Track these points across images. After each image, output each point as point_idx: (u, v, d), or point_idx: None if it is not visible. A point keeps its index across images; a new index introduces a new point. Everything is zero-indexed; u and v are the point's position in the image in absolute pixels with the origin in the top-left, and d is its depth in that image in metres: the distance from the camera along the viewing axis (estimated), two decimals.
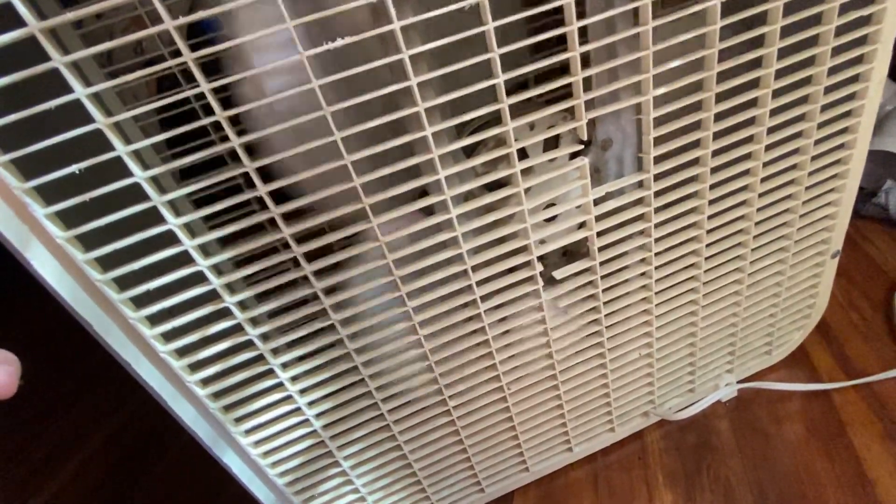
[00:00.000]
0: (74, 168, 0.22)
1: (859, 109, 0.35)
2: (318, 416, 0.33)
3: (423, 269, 0.30)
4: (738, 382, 0.48)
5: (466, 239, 0.31)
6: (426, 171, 0.28)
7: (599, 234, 0.34)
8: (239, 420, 0.31)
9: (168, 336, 0.27)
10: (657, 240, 0.36)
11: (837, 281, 0.47)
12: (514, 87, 0.29)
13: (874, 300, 0.54)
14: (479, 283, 0.32)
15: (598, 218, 0.33)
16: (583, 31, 0.27)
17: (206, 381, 0.29)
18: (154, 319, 0.26)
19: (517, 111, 0.28)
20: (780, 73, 0.32)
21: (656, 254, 0.36)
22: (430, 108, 0.26)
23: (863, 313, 0.53)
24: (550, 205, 0.33)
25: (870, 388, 0.46)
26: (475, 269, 0.32)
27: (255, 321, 0.28)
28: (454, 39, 0.25)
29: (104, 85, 0.21)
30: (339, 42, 0.23)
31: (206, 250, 0.26)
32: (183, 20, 0.21)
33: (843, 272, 0.57)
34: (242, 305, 0.28)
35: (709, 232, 0.37)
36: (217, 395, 0.30)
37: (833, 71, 0.33)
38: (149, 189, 0.23)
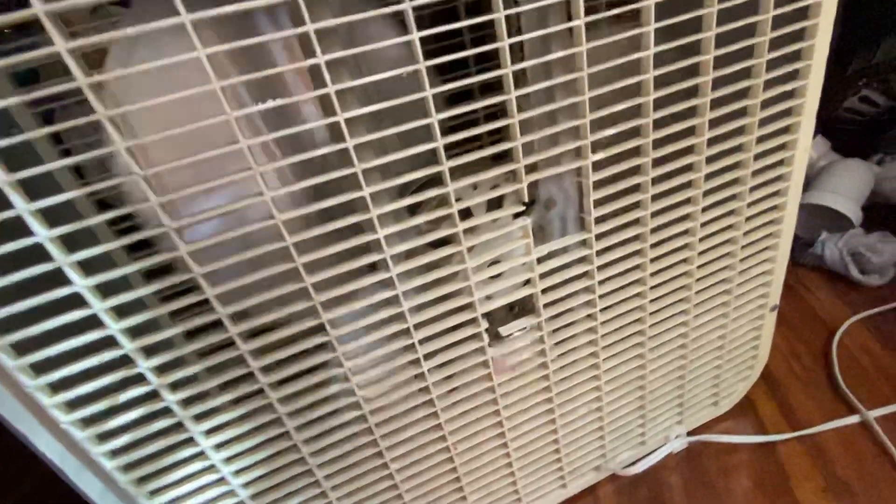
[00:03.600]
0: None
1: (787, 175, 0.38)
2: (246, 485, 0.31)
3: (363, 329, 0.29)
4: (688, 434, 0.49)
5: (409, 297, 0.30)
6: (368, 230, 0.28)
7: (545, 290, 0.34)
8: (154, 493, 0.28)
9: (71, 404, 0.24)
10: (602, 296, 0.36)
11: (779, 329, 0.49)
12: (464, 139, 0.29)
13: (814, 349, 0.56)
14: (423, 342, 0.31)
15: (543, 275, 0.33)
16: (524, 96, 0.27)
17: (115, 453, 0.27)
18: (56, 386, 0.24)
19: (463, 169, 0.28)
20: (711, 142, 0.33)
21: (602, 309, 0.36)
22: (369, 168, 0.26)
23: (804, 362, 0.55)
24: (496, 262, 0.33)
25: (812, 439, 0.47)
26: (418, 327, 0.31)
27: (173, 386, 0.26)
28: (395, 104, 0.25)
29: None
30: (272, 103, 0.22)
31: (119, 310, 0.24)
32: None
33: (784, 320, 0.59)
34: (160, 369, 0.26)
35: (652, 288, 0.37)
36: (128, 468, 0.27)
37: (762, 139, 0.35)
38: (53, 249, 0.21)
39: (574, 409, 0.40)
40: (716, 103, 0.32)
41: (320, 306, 0.27)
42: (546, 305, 0.34)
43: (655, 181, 0.33)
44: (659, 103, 0.30)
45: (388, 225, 0.28)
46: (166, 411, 0.27)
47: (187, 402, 0.27)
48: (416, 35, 0.23)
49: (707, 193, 0.35)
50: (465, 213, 0.31)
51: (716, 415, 0.50)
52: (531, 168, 0.30)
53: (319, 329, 0.28)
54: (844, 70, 0.76)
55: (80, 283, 0.22)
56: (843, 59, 0.76)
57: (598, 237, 0.33)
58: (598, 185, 0.31)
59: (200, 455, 0.28)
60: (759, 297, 0.44)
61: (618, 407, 0.43)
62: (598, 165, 0.31)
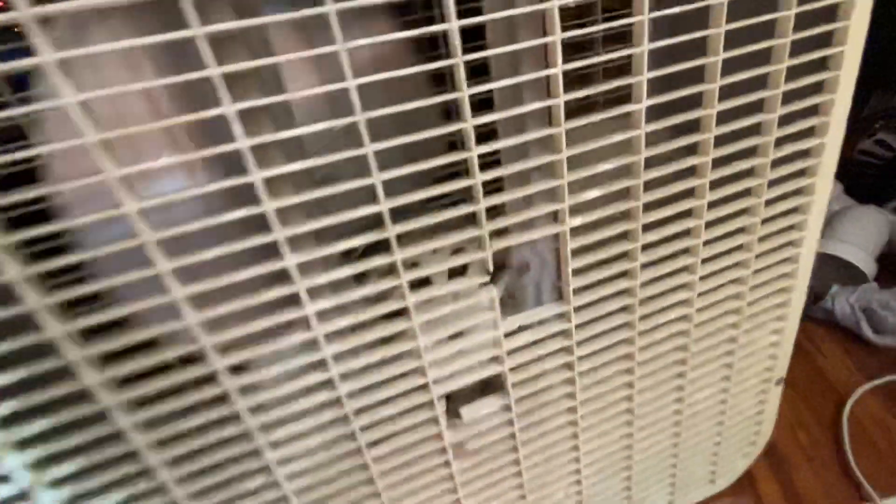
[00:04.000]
0: None
1: (799, 241, 0.33)
2: None
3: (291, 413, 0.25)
4: None
5: (349, 378, 0.25)
6: (295, 303, 0.23)
7: (515, 368, 0.29)
8: None
9: None
10: (583, 373, 0.31)
11: (786, 393, 0.44)
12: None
13: (823, 419, 0.51)
14: (365, 429, 0.27)
15: (513, 351, 0.29)
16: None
17: None
18: None
19: (417, 233, 0.23)
20: (713, 205, 0.29)
21: (582, 388, 0.32)
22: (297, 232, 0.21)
23: (811, 434, 0.50)
24: (458, 334, 0.28)
25: None
26: (359, 412, 0.26)
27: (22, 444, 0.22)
28: (331, 160, 0.20)
29: None
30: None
31: None
32: None
33: (791, 383, 0.54)
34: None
35: (641, 364, 0.33)
36: None
37: (772, 202, 0.31)
38: None
39: (548, 494, 0.35)
40: (719, 162, 0.27)
41: (237, 392, 0.23)
42: (516, 385, 0.30)
43: (647, 247, 0.28)
44: (652, 162, 0.26)
45: (324, 296, 0.23)
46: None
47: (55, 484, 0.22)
48: (352, 83, 0.19)
49: (707, 260, 0.31)
50: (425, 280, 0.26)
51: (711, 493, 0.45)
52: (499, 233, 0.25)
53: (233, 418, 0.23)
54: (860, 111, 0.72)
55: None
56: (860, 99, 0.72)
57: (579, 309, 0.29)
58: (578, 252, 0.27)
59: None
60: (765, 370, 0.39)
61: (599, 490, 0.38)
62: (578, 231, 0.26)
